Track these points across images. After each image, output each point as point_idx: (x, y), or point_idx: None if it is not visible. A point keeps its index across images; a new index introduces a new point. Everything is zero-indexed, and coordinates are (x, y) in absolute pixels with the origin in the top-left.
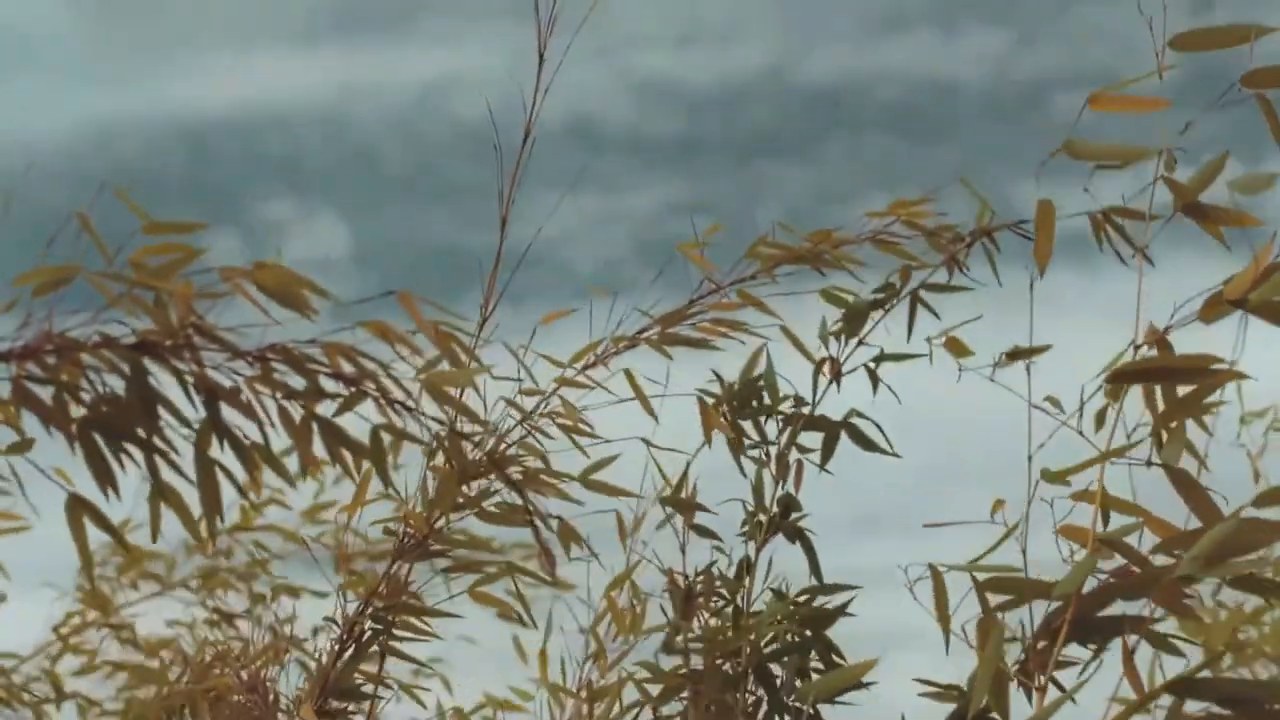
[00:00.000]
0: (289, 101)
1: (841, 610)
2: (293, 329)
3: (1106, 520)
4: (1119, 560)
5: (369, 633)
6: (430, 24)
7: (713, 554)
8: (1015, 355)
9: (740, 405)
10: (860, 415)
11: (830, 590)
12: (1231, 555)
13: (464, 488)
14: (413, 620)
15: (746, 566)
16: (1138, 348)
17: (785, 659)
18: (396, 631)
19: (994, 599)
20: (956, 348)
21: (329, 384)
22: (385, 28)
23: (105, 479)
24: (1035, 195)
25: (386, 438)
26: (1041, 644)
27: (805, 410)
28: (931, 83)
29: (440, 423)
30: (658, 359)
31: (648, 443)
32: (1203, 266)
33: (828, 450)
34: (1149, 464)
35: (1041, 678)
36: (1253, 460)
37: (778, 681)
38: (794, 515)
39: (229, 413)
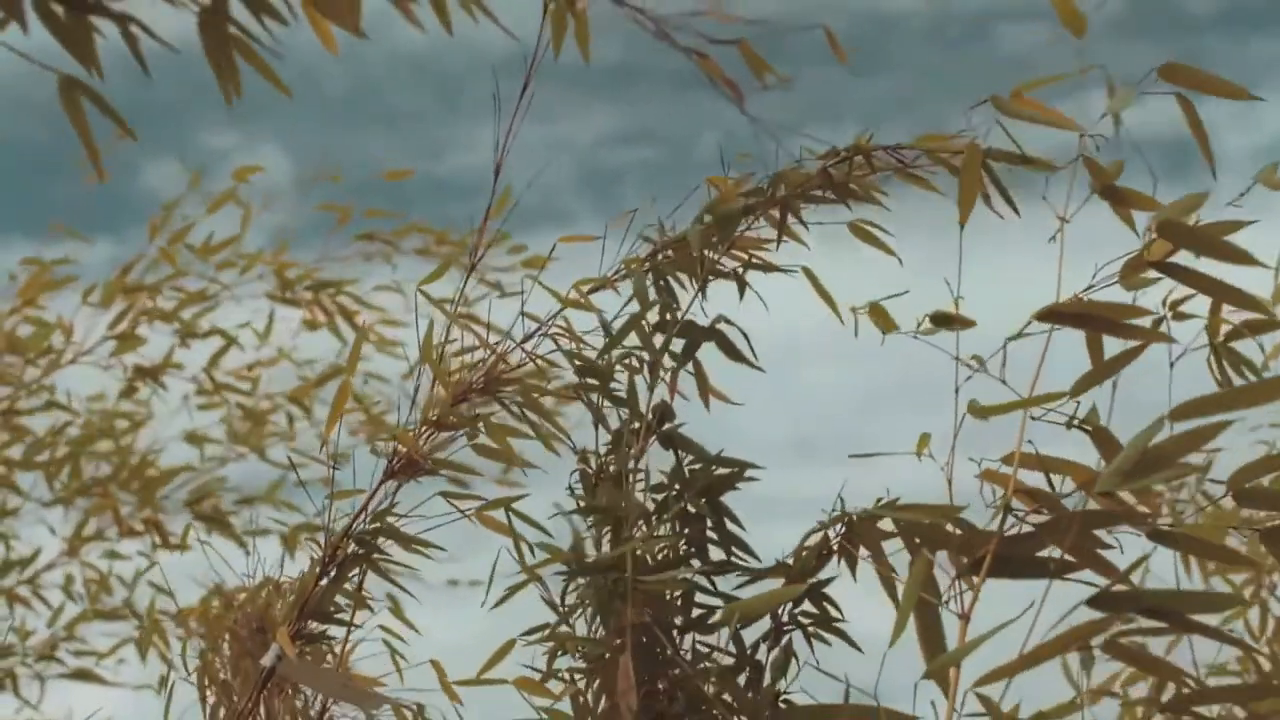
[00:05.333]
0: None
1: (738, 477)
2: None
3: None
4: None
5: (351, 555)
6: None
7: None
8: (939, 321)
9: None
10: (728, 322)
11: (726, 463)
12: (1152, 471)
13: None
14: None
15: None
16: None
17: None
18: (379, 557)
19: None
20: (880, 317)
21: None
22: None
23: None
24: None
25: None
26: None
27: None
28: (873, 13)
29: None
30: None
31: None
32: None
33: (687, 355)
34: (1069, 425)
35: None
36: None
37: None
38: (669, 423)
39: None
